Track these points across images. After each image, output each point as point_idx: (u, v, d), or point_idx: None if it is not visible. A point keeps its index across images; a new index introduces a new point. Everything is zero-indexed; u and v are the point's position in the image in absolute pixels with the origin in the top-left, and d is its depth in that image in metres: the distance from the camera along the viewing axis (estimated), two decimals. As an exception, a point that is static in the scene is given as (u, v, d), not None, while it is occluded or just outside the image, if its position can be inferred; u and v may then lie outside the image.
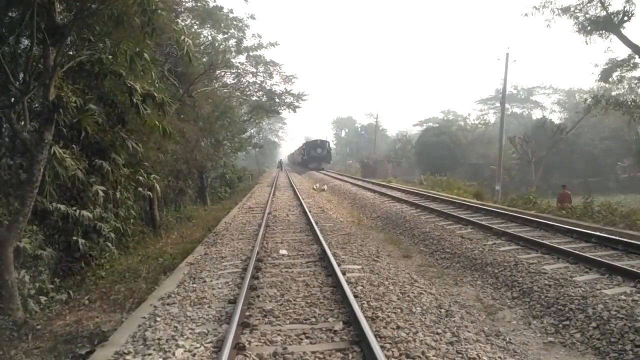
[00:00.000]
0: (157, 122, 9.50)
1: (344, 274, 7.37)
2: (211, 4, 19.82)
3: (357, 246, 10.14)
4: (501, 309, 6.93)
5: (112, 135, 10.31)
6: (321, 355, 4.64)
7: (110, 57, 8.72)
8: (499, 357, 4.90)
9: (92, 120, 9.27)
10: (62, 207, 8.42)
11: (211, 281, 7.64)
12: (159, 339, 5.17)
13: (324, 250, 9.03)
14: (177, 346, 4.93)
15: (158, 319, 5.94)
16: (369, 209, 18.19)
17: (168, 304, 6.57)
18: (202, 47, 20.28)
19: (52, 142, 7.77)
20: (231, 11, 21.76)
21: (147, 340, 5.19)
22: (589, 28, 22.69)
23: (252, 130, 42.61)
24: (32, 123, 8.08)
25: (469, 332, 5.53)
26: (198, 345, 4.96)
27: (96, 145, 10.11)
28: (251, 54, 24.98)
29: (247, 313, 5.90)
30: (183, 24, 15.63)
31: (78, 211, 8.96)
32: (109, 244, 10.08)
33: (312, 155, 62.90)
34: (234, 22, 21.87)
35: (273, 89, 29.27)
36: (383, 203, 18.85)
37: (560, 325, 6.06)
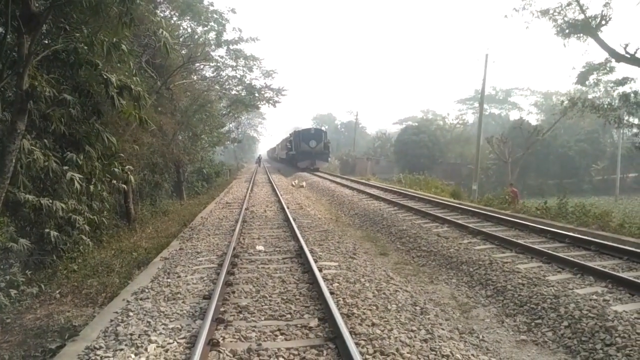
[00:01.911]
0: (133, 112, 9.34)
1: (320, 270, 7.37)
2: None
3: (334, 243, 10.14)
4: (475, 307, 6.99)
5: (86, 127, 10.12)
6: (296, 352, 4.62)
7: (86, 47, 8.56)
8: (472, 355, 4.93)
9: (66, 112, 9.09)
10: (30, 197, 8.21)
11: (186, 276, 7.56)
12: (131, 334, 5.10)
13: (301, 247, 9.01)
14: (150, 341, 4.86)
15: (131, 314, 5.85)
16: (347, 206, 18.21)
17: (141, 299, 6.49)
18: (181, 39, 20.07)
19: (25, 132, 7.60)
20: (211, 4, 21.59)
21: (119, 335, 5.11)
22: (567, 31, 23.04)
23: (230, 125, 42.39)
24: (5, 112, 7.90)
25: (443, 329, 5.57)
26: (171, 340, 4.90)
27: (70, 137, 9.91)
28: (231, 47, 24.82)
29: (222, 309, 5.85)
30: (162, 15, 15.44)
31: (51, 202, 8.78)
32: (83, 237, 9.91)
33: (304, 150, 44.99)
34: (214, 15, 21.68)
35: (253, 84, 29.11)
36: (361, 200, 18.88)
37: (533, 324, 6.13)
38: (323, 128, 49.20)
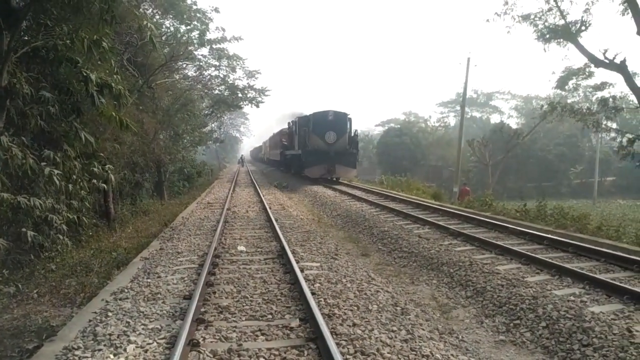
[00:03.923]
0: (113, 113, 9.24)
1: (302, 271, 7.37)
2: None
3: (316, 244, 10.14)
4: (455, 307, 7.05)
5: (65, 125, 9.98)
6: (276, 352, 4.61)
7: (68, 42, 8.45)
8: (452, 355, 4.97)
9: (44, 109, 8.96)
10: (7, 195, 8.04)
11: (166, 276, 7.51)
12: (110, 335, 5.04)
13: (283, 247, 8.99)
14: (129, 342, 4.81)
15: (110, 314, 5.79)
16: (330, 207, 18.22)
17: (120, 299, 6.43)
18: (163, 38, 19.92)
19: (3, 129, 7.48)
20: (195, 3, 21.48)
21: (97, 336, 5.06)
22: (547, 36, 23.38)
23: (213, 125, 42.06)
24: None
25: (423, 330, 5.61)
26: (150, 341, 4.86)
27: (49, 135, 9.76)
28: (214, 46, 24.71)
29: (203, 309, 5.82)
30: (144, 13, 15.32)
31: (29, 200, 8.62)
32: (60, 236, 9.77)
33: (317, 149, 27.66)
34: (197, 14, 21.58)
35: (236, 84, 29.00)
36: (343, 202, 18.92)
37: (512, 325, 6.20)
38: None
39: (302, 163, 28.60)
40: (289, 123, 35.65)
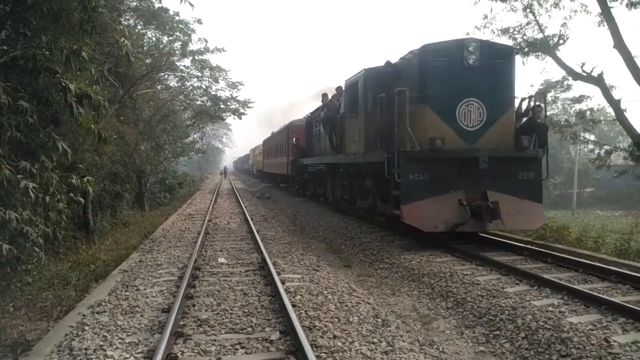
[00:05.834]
0: (92, 126, 9.13)
1: (283, 283, 7.35)
2: (157, 5, 19.42)
3: (298, 255, 10.12)
4: (436, 318, 7.06)
5: (44, 136, 9.83)
6: (256, 366, 4.58)
7: (47, 52, 8.36)
8: (432, 367, 4.98)
9: (22, 119, 8.82)
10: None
11: (145, 289, 7.42)
12: (86, 349, 4.96)
13: (264, 259, 8.97)
14: (106, 356, 4.75)
15: (86, 328, 5.70)
16: (312, 218, 18.20)
17: (98, 313, 6.33)
18: (145, 48, 19.83)
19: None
20: (177, 14, 21.40)
21: (73, 350, 4.98)
22: (526, 49, 23.66)
23: (195, 136, 41.74)
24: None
25: (403, 341, 5.60)
26: (128, 355, 4.80)
27: (26, 146, 9.60)
28: (197, 57, 24.62)
29: (182, 322, 5.75)
30: (126, 23, 15.24)
31: (4, 212, 8.45)
32: (36, 249, 9.58)
33: (435, 149, 9.83)
34: (180, 25, 21.50)
35: (218, 95, 28.90)
36: (326, 212, 18.90)
37: (491, 335, 6.22)
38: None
39: (394, 188, 10.68)
40: (324, 96, 18.45)
